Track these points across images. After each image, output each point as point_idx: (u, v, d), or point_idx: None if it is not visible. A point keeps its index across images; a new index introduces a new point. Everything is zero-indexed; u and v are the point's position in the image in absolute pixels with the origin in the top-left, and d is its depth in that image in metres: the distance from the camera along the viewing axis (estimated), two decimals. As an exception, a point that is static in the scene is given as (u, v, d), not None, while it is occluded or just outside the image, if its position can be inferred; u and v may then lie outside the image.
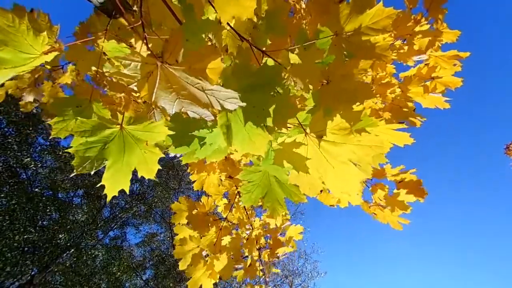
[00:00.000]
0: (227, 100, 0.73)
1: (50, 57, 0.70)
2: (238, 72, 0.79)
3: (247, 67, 0.79)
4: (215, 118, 0.83)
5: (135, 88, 0.68)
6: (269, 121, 0.87)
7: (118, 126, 0.82)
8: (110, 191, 0.82)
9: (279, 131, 1.04)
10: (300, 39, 0.97)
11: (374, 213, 1.93)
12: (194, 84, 0.70)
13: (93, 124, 0.78)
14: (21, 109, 2.20)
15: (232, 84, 0.81)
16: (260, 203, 1.18)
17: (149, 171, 0.85)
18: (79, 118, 0.80)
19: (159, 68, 0.68)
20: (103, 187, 0.82)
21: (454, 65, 1.83)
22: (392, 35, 1.77)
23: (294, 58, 1.04)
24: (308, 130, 0.95)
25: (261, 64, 0.88)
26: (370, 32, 0.95)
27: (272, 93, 0.80)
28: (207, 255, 1.80)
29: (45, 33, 0.68)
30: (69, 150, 0.77)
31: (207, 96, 0.71)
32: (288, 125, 1.02)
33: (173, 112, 0.71)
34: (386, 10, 0.91)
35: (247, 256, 1.97)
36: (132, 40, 1.19)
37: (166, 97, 0.70)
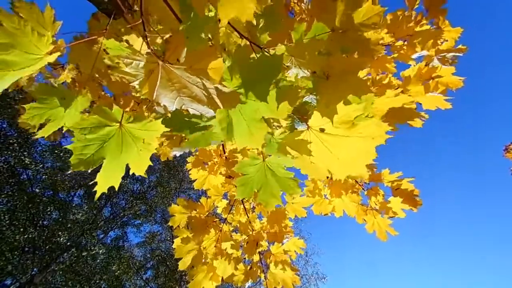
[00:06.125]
0: (228, 99, 0.74)
1: (53, 57, 0.70)
2: (238, 67, 0.81)
3: (247, 60, 0.80)
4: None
5: (137, 86, 0.69)
6: (271, 112, 0.88)
7: (118, 124, 0.81)
8: (102, 188, 0.82)
9: (278, 125, 1.04)
10: (298, 33, 0.97)
11: (364, 220, 1.91)
12: (195, 83, 0.71)
13: (92, 121, 0.78)
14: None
15: (234, 79, 0.82)
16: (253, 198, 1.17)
17: (141, 167, 0.85)
18: (80, 114, 0.79)
19: (160, 67, 0.69)
20: (99, 184, 0.81)
21: (452, 64, 1.80)
22: (393, 35, 1.74)
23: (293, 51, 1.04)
24: (310, 124, 0.97)
25: (259, 56, 0.88)
26: (363, 28, 1.02)
27: (273, 84, 0.81)
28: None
29: (49, 33, 0.69)
30: (68, 146, 0.78)
31: (209, 95, 0.72)
32: (289, 119, 1.02)
33: (174, 109, 0.73)
34: (376, 8, 0.98)
35: (248, 260, 1.94)
36: (130, 40, 1.19)
37: (167, 95, 0.71)
